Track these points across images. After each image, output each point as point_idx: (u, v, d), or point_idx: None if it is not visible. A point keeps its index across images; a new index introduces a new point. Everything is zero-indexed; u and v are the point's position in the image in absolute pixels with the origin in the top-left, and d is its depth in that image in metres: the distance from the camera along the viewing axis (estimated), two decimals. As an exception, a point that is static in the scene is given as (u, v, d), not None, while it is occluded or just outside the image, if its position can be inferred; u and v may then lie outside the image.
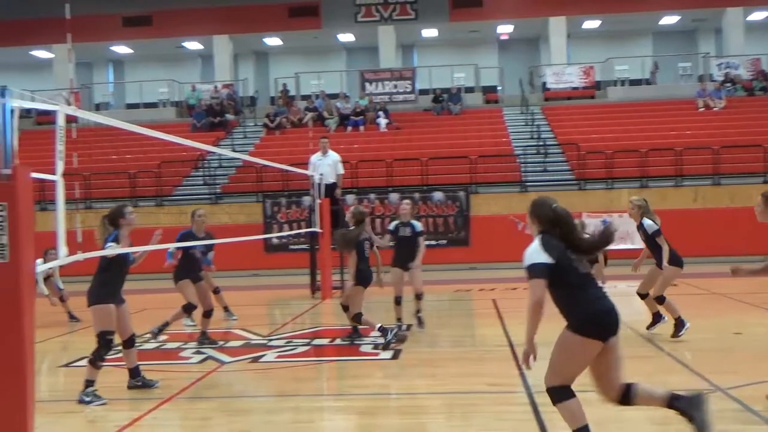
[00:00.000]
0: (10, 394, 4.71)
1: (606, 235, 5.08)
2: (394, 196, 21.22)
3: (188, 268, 9.75)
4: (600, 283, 9.24)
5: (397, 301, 10.24)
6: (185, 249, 9.79)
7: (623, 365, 4.91)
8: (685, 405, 4.83)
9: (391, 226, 10.62)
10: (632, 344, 8.98)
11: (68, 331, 11.43)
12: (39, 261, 12.17)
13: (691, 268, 18.19)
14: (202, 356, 8.96)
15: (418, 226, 10.33)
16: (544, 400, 6.32)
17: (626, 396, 4.96)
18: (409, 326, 10.38)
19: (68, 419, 6.41)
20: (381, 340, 9.03)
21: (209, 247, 10.35)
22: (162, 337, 10.05)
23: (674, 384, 6.80)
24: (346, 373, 8.34)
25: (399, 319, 10.25)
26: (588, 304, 4.78)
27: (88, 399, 6.66)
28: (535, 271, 4.69)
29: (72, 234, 6.27)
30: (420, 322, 10.30)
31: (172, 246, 9.80)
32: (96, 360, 6.79)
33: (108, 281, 6.94)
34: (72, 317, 12.25)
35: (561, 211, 4.92)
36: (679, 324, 9.22)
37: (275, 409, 6.74)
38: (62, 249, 5.75)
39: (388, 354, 8.80)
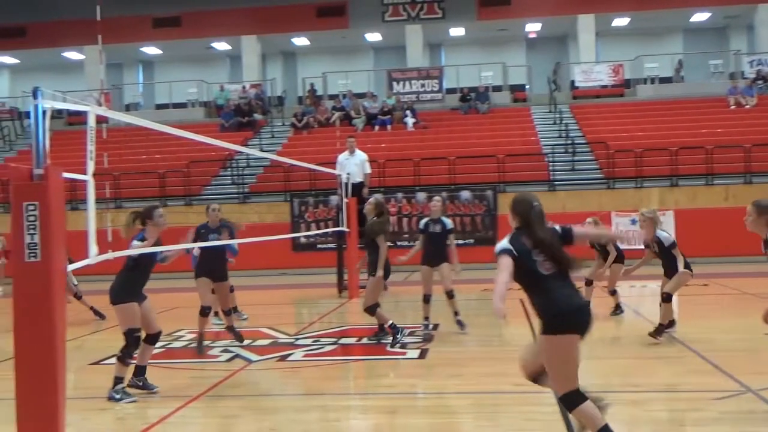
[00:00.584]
0: (42, 391, 4.77)
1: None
2: (421, 196, 21.21)
3: (207, 263, 9.33)
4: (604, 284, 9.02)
5: (426, 299, 10.21)
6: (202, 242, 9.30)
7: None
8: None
9: (421, 223, 10.57)
10: (662, 345, 8.90)
11: (97, 329, 11.55)
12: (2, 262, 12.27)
13: (721, 267, 18.06)
14: (230, 354, 9.02)
15: (449, 223, 10.22)
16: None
17: (537, 380, 5.15)
18: (435, 326, 10.37)
19: (98, 416, 6.48)
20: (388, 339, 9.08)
21: (231, 236, 9.66)
22: (190, 336, 10.13)
23: (706, 385, 6.73)
24: (372, 372, 8.34)
25: (426, 318, 10.22)
26: (553, 304, 4.83)
27: (117, 396, 6.72)
28: (499, 253, 4.99)
29: (102, 233, 6.35)
30: (461, 325, 10.11)
31: (192, 246, 9.27)
32: (125, 357, 6.84)
33: (132, 280, 6.97)
34: (97, 313, 12.36)
35: (537, 210, 5.14)
36: (664, 328, 9.11)
37: (302, 407, 6.76)
38: (93, 248, 5.82)
39: (415, 353, 8.80)
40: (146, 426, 5.97)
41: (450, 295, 10.12)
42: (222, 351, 9.26)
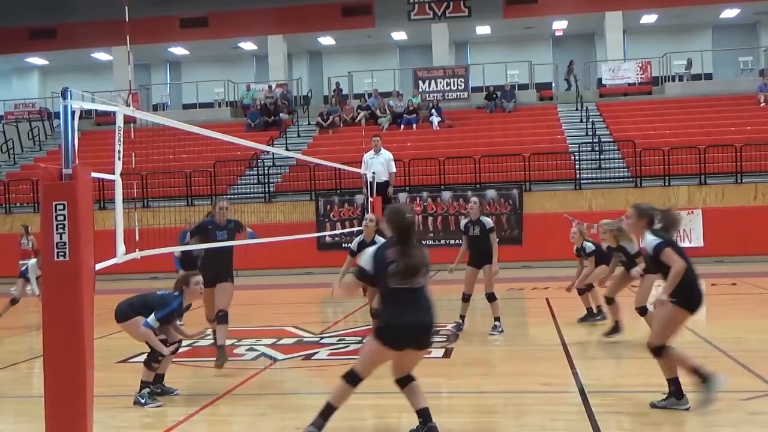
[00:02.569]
0: (70, 389, 4.83)
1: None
2: (446, 195, 21.17)
3: (211, 265, 8.25)
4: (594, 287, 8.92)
5: (465, 298, 10.19)
6: (205, 240, 8.29)
7: (415, 366, 5.53)
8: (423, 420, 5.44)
9: (462, 224, 10.53)
10: (691, 346, 8.81)
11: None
12: (34, 261, 12.43)
13: (750, 267, 17.84)
14: (256, 353, 9.07)
15: (488, 222, 10.04)
16: (597, 400, 6.26)
17: (402, 383, 5.63)
18: (459, 325, 10.34)
19: (126, 414, 6.55)
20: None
21: (239, 228, 8.55)
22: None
23: (734, 386, 6.65)
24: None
25: (462, 317, 10.20)
26: (389, 316, 5.25)
27: (143, 400, 6.70)
28: (357, 271, 5.49)
29: (130, 232, 6.41)
30: (496, 329, 9.99)
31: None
32: (151, 362, 6.84)
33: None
34: None
35: (408, 222, 5.40)
36: (618, 327, 9.21)
37: (328, 406, 6.78)
38: (120, 247, 5.88)
39: (439, 353, 8.80)
40: (173, 423, 6.03)
41: (490, 298, 10.05)
42: (247, 350, 9.32)
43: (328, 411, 5.49)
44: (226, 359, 7.89)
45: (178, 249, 7.08)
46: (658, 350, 6.02)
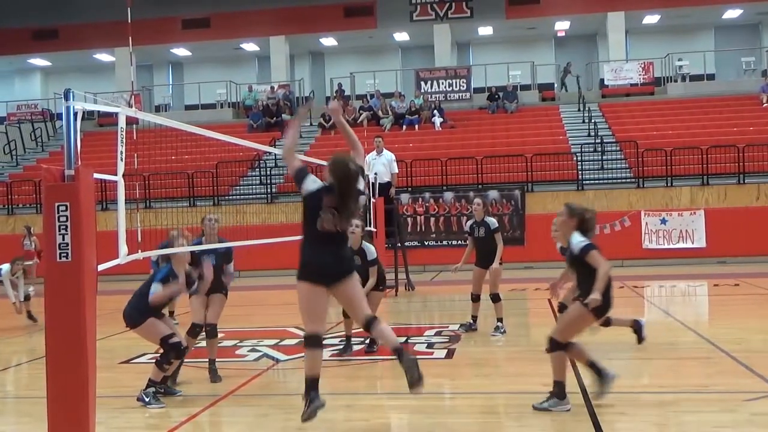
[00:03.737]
0: (72, 390, 4.84)
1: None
2: (448, 195, 21.17)
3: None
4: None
5: (473, 298, 10.20)
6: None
7: (363, 303, 5.89)
8: (401, 360, 5.78)
9: (466, 226, 10.53)
10: (694, 346, 8.81)
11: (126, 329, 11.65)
12: (6, 266, 12.37)
13: (753, 267, 17.83)
14: (258, 354, 9.07)
15: (493, 223, 10.05)
16: (599, 401, 6.25)
17: (367, 326, 5.93)
18: (464, 325, 10.33)
19: (128, 414, 6.55)
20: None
21: (227, 258, 7.96)
22: (219, 335, 10.19)
23: (737, 386, 6.64)
24: (400, 372, 8.32)
25: (474, 317, 10.20)
26: (307, 254, 5.74)
27: (147, 399, 6.68)
28: (299, 171, 5.91)
29: (132, 233, 6.42)
30: (499, 330, 9.96)
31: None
32: (162, 363, 6.80)
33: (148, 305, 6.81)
34: (31, 317, 12.51)
35: (353, 172, 5.72)
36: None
37: (330, 407, 6.77)
38: (123, 248, 5.88)
39: (441, 353, 8.80)
40: (175, 424, 6.03)
41: (494, 298, 10.05)
42: (250, 350, 9.32)
43: (312, 384, 5.78)
44: (220, 378, 7.67)
45: (180, 250, 7.07)
46: (558, 345, 6.11)
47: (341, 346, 9.05)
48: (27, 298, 12.67)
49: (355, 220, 8.98)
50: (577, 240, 6.14)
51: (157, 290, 6.76)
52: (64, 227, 4.81)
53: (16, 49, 32.21)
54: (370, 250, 8.92)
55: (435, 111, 26.36)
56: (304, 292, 5.73)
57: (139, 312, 6.86)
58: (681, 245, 20.11)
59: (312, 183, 5.80)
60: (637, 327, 8.71)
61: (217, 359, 7.77)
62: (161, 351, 6.86)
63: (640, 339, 8.65)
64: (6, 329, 12.26)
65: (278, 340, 9.91)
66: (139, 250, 6.71)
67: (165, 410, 6.54)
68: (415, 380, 5.62)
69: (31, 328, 12.26)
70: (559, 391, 6.07)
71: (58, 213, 4.80)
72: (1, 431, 6.39)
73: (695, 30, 31.45)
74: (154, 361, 7.00)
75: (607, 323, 8.39)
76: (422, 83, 28.35)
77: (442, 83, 28.35)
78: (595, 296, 5.93)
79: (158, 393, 6.88)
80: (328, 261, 5.71)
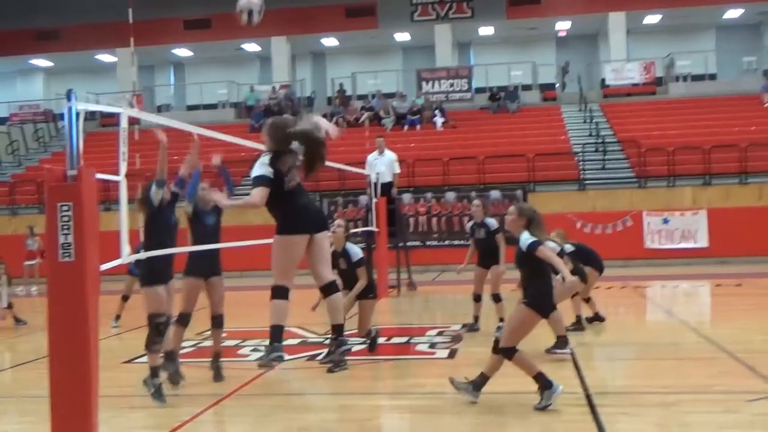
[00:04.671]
0: (75, 389, 4.84)
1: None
2: (450, 195, 21.18)
3: (201, 255, 7.37)
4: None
5: (475, 298, 10.20)
6: (194, 220, 7.55)
7: (329, 264, 7.03)
8: (335, 339, 7.12)
9: (467, 227, 10.53)
10: (696, 346, 8.81)
11: (128, 328, 11.68)
12: None
13: (755, 267, 17.81)
14: (260, 354, 9.06)
15: (493, 224, 10.01)
16: (601, 401, 6.26)
17: (325, 290, 6.99)
18: (465, 325, 10.33)
19: (131, 414, 6.57)
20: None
21: (227, 181, 8.14)
22: (222, 334, 10.19)
23: (739, 387, 6.64)
24: (402, 372, 8.36)
25: (475, 318, 10.20)
26: (289, 210, 6.60)
27: (151, 390, 6.66)
28: (260, 180, 6.66)
29: (134, 233, 6.42)
30: (500, 330, 9.99)
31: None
32: (150, 345, 6.68)
33: (154, 259, 6.59)
34: (18, 320, 12.44)
35: (298, 132, 6.76)
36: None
37: (332, 407, 6.79)
38: (125, 248, 5.89)
39: (444, 353, 8.81)
40: (178, 424, 6.03)
41: (495, 299, 10.03)
42: (252, 350, 9.32)
43: (277, 333, 6.50)
44: (223, 377, 7.56)
45: (184, 249, 7.08)
46: (508, 352, 6.22)
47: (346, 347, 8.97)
48: (10, 305, 12.42)
49: (338, 220, 9.03)
50: (525, 237, 6.28)
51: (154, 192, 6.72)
52: (66, 227, 4.82)
53: (19, 49, 32.22)
54: (354, 250, 8.71)
55: (436, 111, 26.36)
56: (288, 245, 6.48)
57: (146, 275, 6.74)
58: (683, 245, 20.10)
59: (265, 168, 6.74)
60: (562, 344, 8.39)
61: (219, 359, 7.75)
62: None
63: (551, 349, 8.36)
64: (9, 328, 12.28)
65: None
66: (141, 250, 6.72)
67: (168, 410, 6.54)
68: (333, 364, 6.84)
69: (23, 328, 12.23)
70: (543, 382, 6.12)
71: (61, 213, 4.81)
72: (4, 430, 6.40)
73: (696, 30, 31.42)
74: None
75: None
76: (424, 83, 28.34)
77: (444, 83, 28.35)
78: (567, 276, 6.28)
79: (167, 370, 6.88)
80: (312, 209, 6.73)
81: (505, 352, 6.23)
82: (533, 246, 6.21)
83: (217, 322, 7.64)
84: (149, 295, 6.74)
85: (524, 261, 6.30)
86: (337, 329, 6.59)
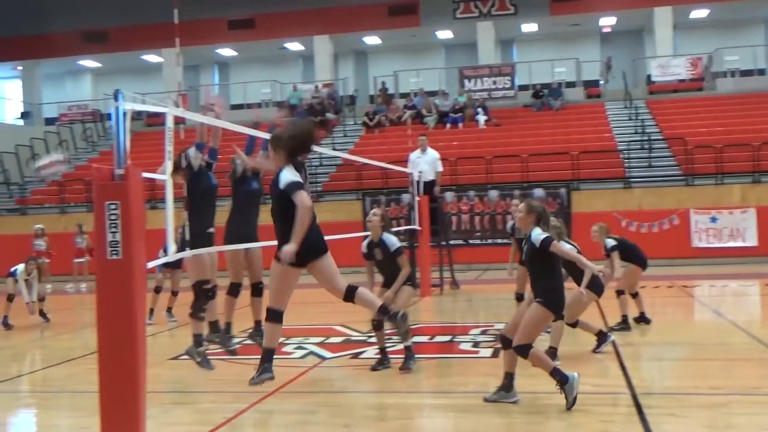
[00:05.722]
0: (124, 384, 4.92)
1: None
2: (493, 194, 21.06)
3: (242, 221, 7.78)
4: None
5: (517, 297, 10.13)
6: (239, 184, 7.90)
7: (338, 278, 6.58)
8: (392, 318, 6.65)
9: (508, 226, 10.47)
10: (746, 347, 8.64)
11: (173, 327, 11.83)
12: (21, 266, 12.43)
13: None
14: (304, 351, 9.12)
15: None
16: (649, 402, 6.17)
17: (348, 296, 6.66)
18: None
19: (177, 409, 6.65)
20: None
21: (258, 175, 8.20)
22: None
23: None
24: (445, 371, 8.34)
25: None
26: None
27: (198, 359, 6.68)
28: (298, 185, 6.31)
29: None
30: (546, 330, 9.91)
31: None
32: (196, 311, 6.73)
33: (197, 226, 6.67)
34: (43, 315, 12.68)
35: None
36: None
37: (375, 405, 6.80)
38: (171, 245, 5.97)
39: (487, 352, 8.76)
40: (223, 420, 6.09)
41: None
42: (296, 348, 9.38)
43: (268, 355, 6.28)
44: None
45: (227, 248, 7.15)
46: (523, 349, 6.14)
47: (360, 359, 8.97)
48: (42, 298, 12.73)
49: (374, 209, 8.82)
50: (538, 233, 6.17)
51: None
52: (114, 225, 4.89)
53: (68, 51, 32.87)
54: (391, 240, 8.28)
55: (479, 109, 26.24)
56: (284, 274, 6.23)
57: (191, 244, 6.68)
58: (731, 244, 19.72)
59: (295, 174, 6.43)
60: (602, 338, 8.36)
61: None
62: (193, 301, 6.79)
63: (596, 348, 8.33)
64: (62, 324, 12.54)
65: (324, 338, 9.97)
66: (187, 248, 6.80)
67: (212, 406, 6.62)
68: (402, 333, 6.77)
69: (85, 323, 12.49)
70: (560, 377, 6.05)
71: (109, 211, 4.88)
72: (55, 424, 6.53)
73: (745, 24, 30.79)
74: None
75: (575, 325, 8.31)
76: (466, 81, 28.23)
77: (486, 81, 28.20)
78: (590, 265, 6.37)
79: (212, 342, 6.93)
80: (312, 236, 6.30)
81: (519, 350, 6.17)
82: (547, 242, 6.09)
83: (257, 290, 7.66)
84: (194, 263, 6.77)
85: (536, 258, 6.19)
86: (382, 309, 6.56)
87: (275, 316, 6.17)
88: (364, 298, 6.63)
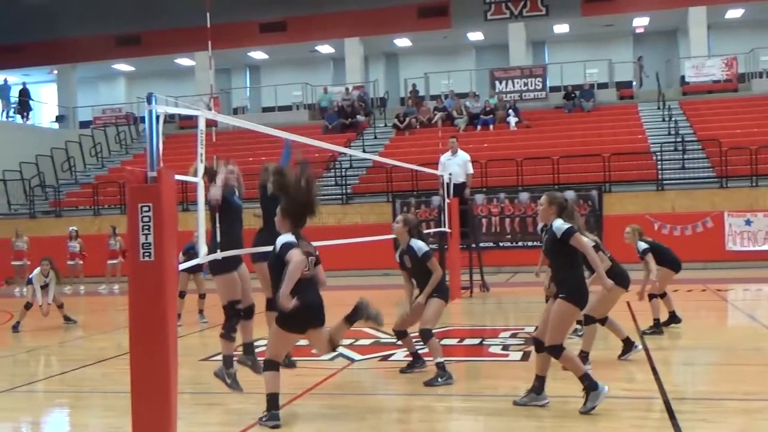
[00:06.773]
0: (155, 385, 4.97)
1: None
2: (524, 196, 20.95)
3: (270, 233, 6.83)
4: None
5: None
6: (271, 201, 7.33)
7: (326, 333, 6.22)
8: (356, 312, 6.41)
9: (538, 228, 10.38)
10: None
11: (202, 328, 11.93)
12: (37, 271, 12.45)
13: None
14: (333, 353, 9.13)
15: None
16: (681, 407, 6.10)
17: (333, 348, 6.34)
18: (537, 328, 10.20)
19: (208, 411, 6.71)
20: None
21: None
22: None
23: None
24: (475, 374, 8.31)
25: None
26: (302, 301, 5.82)
27: (228, 381, 6.67)
28: (292, 245, 5.89)
29: (211, 233, 6.55)
30: (576, 332, 9.83)
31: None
32: (228, 332, 6.68)
33: (226, 245, 6.52)
34: (68, 319, 12.73)
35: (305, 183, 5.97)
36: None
37: (405, 407, 6.80)
38: (202, 247, 6.02)
39: (517, 355, 8.72)
40: (253, 421, 6.13)
41: None
42: (325, 349, 9.39)
43: (274, 401, 5.95)
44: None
45: (254, 250, 7.18)
46: (556, 350, 6.08)
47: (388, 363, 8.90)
48: (60, 305, 12.71)
49: (398, 216, 8.60)
50: (559, 224, 6.11)
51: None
52: (147, 227, 4.94)
53: (101, 55, 33.32)
54: (419, 245, 7.85)
55: (510, 110, 26.13)
56: (284, 337, 6.01)
57: (220, 262, 6.50)
58: (766, 247, 19.43)
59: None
60: (628, 346, 8.24)
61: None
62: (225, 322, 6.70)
63: (621, 355, 8.24)
64: (95, 326, 12.70)
65: (353, 341, 9.98)
66: (218, 250, 6.85)
67: (242, 407, 6.66)
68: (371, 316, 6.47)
69: (119, 325, 12.64)
70: (590, 383, 6.00)
71: (142, 213, 4.94)
72: (87, 423, 6.62)
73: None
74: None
75: (604, 322, 8.23)
76: (497, 83, 28.12)
77: (517, 82, 28.07)
78: (607, 284, 6.24)
79: (244, 364, 6.81)
80: (315, 305, 6.05)
81: (552, 350, 6.11)
82: (569, 233, 6.00)
83: (249, 312, 7.51)
84: (226, 282, 6.70)
85: (557, 249, 6.11)
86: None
87: (274, 366, 6.00)
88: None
